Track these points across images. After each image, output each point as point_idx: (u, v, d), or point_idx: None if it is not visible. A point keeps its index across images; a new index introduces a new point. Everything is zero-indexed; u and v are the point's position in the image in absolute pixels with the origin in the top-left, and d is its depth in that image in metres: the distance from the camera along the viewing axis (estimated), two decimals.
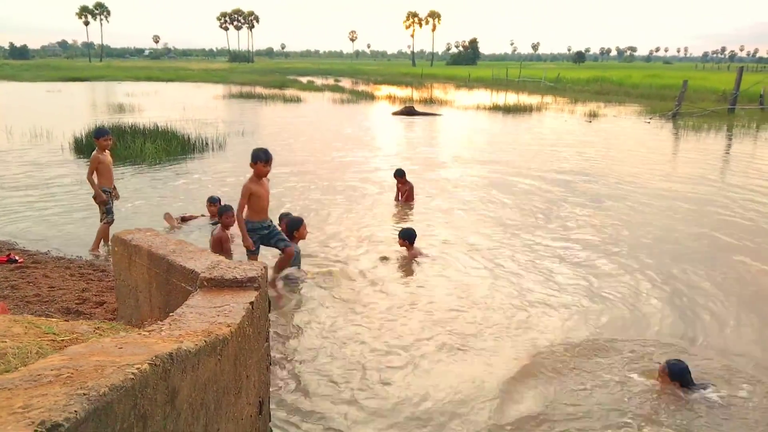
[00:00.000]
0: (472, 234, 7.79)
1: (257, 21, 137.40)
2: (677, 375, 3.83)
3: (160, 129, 15.05)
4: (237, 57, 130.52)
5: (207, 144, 15.02)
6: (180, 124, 17.13)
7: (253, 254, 5.55)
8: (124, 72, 61.16)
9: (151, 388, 1.59)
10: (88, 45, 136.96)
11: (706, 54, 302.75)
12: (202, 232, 7.61)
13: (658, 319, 5.26)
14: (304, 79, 52.91)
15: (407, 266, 6.50)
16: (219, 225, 6.79)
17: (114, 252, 4.13)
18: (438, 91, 40.96)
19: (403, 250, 6.74)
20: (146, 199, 9.59)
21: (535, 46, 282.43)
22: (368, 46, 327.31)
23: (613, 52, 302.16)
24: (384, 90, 42.00)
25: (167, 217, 8.08)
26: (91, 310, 4.91)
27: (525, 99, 32.47)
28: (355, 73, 68.68)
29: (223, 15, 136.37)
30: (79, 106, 28.00)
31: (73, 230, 7.91)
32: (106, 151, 6.98)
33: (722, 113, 24.40)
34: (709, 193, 10.57)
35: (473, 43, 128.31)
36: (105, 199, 6.93)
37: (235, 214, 5.61)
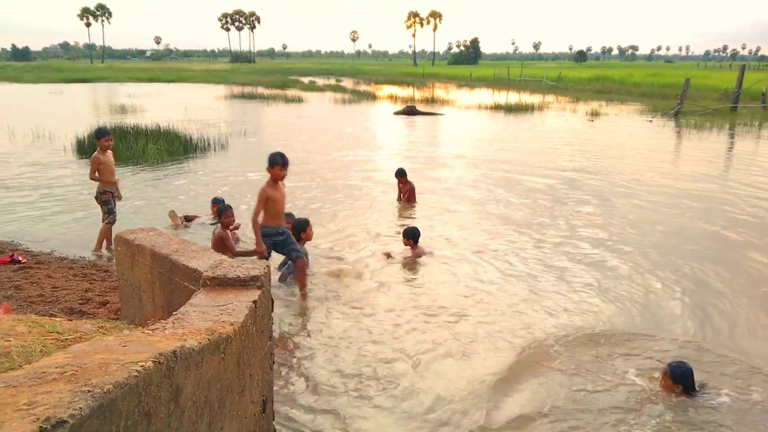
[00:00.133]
0: (477, 233, 7.78)
1: (258, 21, 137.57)
2: (679, 378, 3.78)
3: (162, 130, 15.09)
4: (238, 58, 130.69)
5: (209, 144, 15.04)
6: (182, 125, 17.15)
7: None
8: (126, 73, 61.28)
9: (155, 386, 1.59)
10: (90, 46, 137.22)
11: (707, 52, 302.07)
12: (206, 232, 7.62)
13: (669, 317, 5.25)
14: (305, 80, 52.93)
15: (412, 266, 6.50)
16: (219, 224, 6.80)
17: (117, 252, 4.14)
18: (439, 91, 40.94)
19: (407, 249, 6.74)
20: (148, 200, 9.61)
21: (536, 46, 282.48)
22: (369, 46, 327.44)
23: (615, 51, 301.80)
24: (385, 90, 42.02)
25: (172, 214, 8.10)
26: (95, 310, 4.92)
27: (527, 98, 32.43)
28: (356, 73, 68.70)
29: (225, 16, 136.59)
30: (81, 107, 28.06)
31: (75, 231, 7.93)
32: (108, 151, 6.99)
33: (724, 112, 24.35)
34: (713, 190, 10.56)
35: (474, 42, 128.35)
36: (108, 197, 6.95)
37: (251, 218, 5.47)
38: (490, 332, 4.86)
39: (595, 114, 24.92)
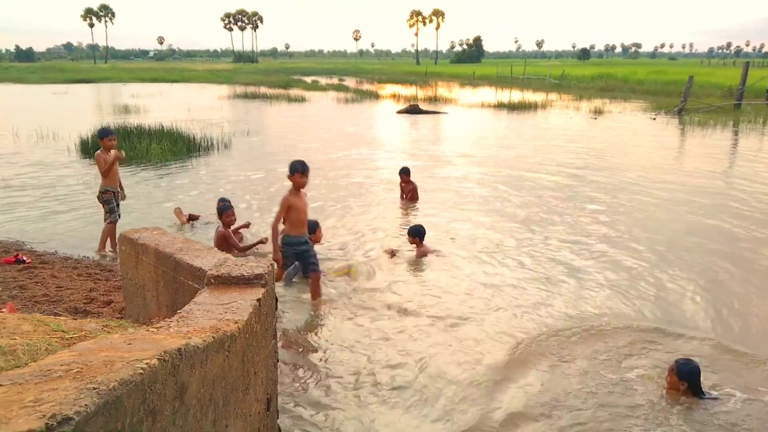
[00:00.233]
0: (483, 230, 7.77)
1: (261, 21, 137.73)
2: (685, 375, 3.78)
3: (165, 129, 15.12)
4: (241, 57, 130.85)
5: (212, 144, 15.07)
6: (185, 125, 17.18)
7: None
8: (129, 73, 61.42)
9: (160, 383, 1.59)
10: (93, 47, 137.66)
11: (711, 49, 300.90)
12: (211, 232, 7.63)
13: (683, 314, 5.25)
14: (308, 79, 52.98)
15: (417, 264, 6.49)
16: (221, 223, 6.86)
17: (121, 251, 4.15)
18: (442, 90, 40.91)
19: (413, 247, 6.73)
20: (152, 199, 9.63)
21: (539, 44, 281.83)
22: (372, 46, 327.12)
23: (618, 49, 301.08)
24: (388, 89, 41.97)
25: (177, 212, 8.11)
26: (99, 310, 4.93)
27: (530, 96, 32.37)
28: (359, 73, 68.69)
29: (227, 16, 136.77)
30: (84, 107, 28.13)
31: (79, 230, 7.95)
32: (112, 151, 7.00)
33: (728, 109, 24.26)
34: (719, 187, 10.55)
35: (477, 41, 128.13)
36: (109, 197, 6.97)
37: (272, 224, 5.39)
38: (497, 331, 4.85)
39: (598, 112, 24.86)
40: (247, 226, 7.56)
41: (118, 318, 4.30)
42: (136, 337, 1.90)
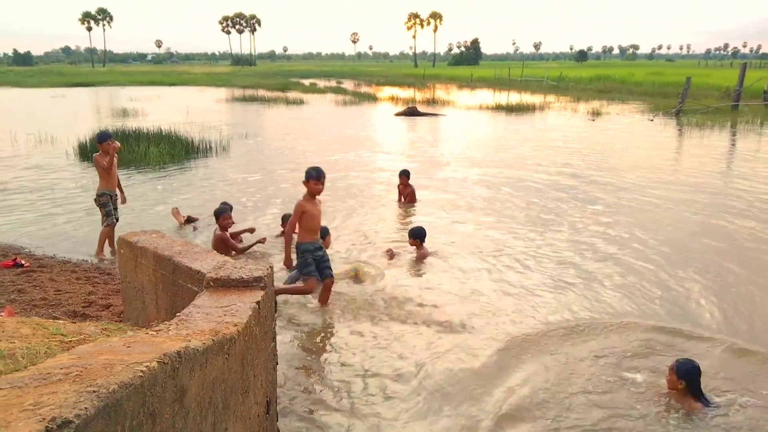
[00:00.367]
0: (483, 231, 7.78)
1: (259, 24, 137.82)
2: (684, 374, 3.80)
3: (163, 133, 15.13)
4: (239, 60, 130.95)
5: (210, 147, 15.05)
6: (183, 128, 17.16)
7: (310, 275, 5.23)
8: (128, 77, 61.42)
9: (159, 386, 1.59)
10: (91, 50, 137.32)
11: (708, 51, 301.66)
12: (209, 235, 7.63)
13: (690, 313, 5.25)
14: (306, 82, 52.98)
15: (418, 266, 6.49)
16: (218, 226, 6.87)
17: (120, 254, 4.15)
18: (440, 92, 40.95)
19: (413, 249, 6.73)
20: (151, 202, 9.62)
21: (537, 46, 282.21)
22: (370, 48, 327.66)
23: (616, 51, 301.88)
24: (386, 91, 42.03)
25: (175, 212, 8.10)
26: (98, 313, 4.93)
27: (528, 98, 32.40)
28: (357, 75, 68.75)
29: (225, 19, 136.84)
30: (83, 111, 28.12)
31: (77, 233, 7.94)
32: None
33: (726, 110, 24.30)
34: (719, 187, 10.57)
35: (475, 43, 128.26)
36: (106, 200, 6.96)
37: (286, 230, 5.39)
38: (498, 332, 4.85)
39: (596, 113, 24.89)
40: (251, 231, 7.52)
41: (117, 321, 4.29)
42: (136, 340, 1.90)
